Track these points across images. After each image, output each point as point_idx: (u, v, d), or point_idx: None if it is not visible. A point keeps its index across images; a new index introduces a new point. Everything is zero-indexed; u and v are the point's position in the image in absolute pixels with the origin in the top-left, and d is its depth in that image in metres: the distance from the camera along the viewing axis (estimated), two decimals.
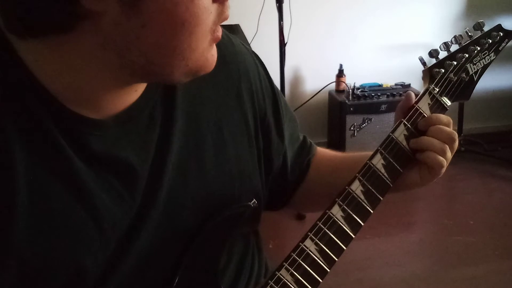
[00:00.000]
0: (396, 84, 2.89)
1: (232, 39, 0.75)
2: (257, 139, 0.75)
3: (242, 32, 2.47)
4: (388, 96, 2.78)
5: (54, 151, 0.55)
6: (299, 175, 0.86)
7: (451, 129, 0.74)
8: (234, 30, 2.39)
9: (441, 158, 0.72)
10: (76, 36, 0.50)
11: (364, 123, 2.77)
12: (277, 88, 0.81)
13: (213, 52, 0.58)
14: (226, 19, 0.57)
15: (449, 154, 0.73)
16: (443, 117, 0.75)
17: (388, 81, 2.91)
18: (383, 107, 2.75)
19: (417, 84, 2.86)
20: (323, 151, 0.91)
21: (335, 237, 0.69)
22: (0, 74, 0.53)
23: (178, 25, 0.51)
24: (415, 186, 0.76)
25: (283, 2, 2.40)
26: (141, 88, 0.61)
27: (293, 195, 0.87)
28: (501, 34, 0.81)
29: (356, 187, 0.71)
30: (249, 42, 2.54)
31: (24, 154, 0.54)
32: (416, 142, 0.74)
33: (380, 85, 2.89)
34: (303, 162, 0.86)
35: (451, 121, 0.75)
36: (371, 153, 0.74)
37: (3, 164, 0.53)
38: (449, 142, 0.73)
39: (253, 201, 0.70)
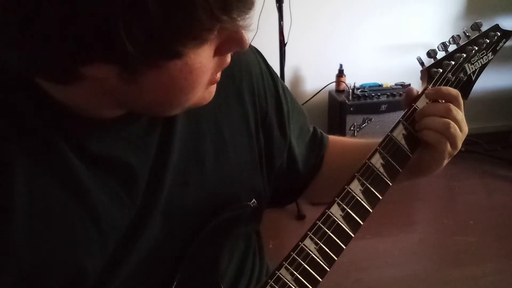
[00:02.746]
0: (396, 84, 2.89)
1: None
2: (258, 139, 0.75)
3: None
4: (388, 96, 2.78)
5: (54, 152, 0.56)
6: (312, 168, 0.85)
7: (448, 91, 0.74)
8: None
9: (438, 135, 0.71)
10: (76, 85, 0.51)
11: (364, 123, 2.77)
12: (281, 83, 0.80)
13: (211, 90, 0.60)
14: (226, 66, 0.58)
15: (454, 112, 0.71)
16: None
17: (388, 81, 2.91)
18: (383, 107, 2.75)
19: (417, 84, 2.78)
20: (335, 140, 0.90)
21: (335, 236, 0.70)
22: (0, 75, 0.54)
23: (177, 91, 0.53)
24: (430, 168, 0.75)
25: (283, 2, 2.40)
26: None
27: (306, 188, 0.87)
28: (499, 34, 0.81)
29: (355, 187, 0.71)
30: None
31: (24, 155, 0.54)
32: (418, 125, 0.73)
33: (380, 85, 2.89)
34: (316, 156, 0.86)
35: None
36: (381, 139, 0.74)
37: (2, 166, 0.53)
38: (452, 100, 0.72)
39: (252, 201, 0.70)
